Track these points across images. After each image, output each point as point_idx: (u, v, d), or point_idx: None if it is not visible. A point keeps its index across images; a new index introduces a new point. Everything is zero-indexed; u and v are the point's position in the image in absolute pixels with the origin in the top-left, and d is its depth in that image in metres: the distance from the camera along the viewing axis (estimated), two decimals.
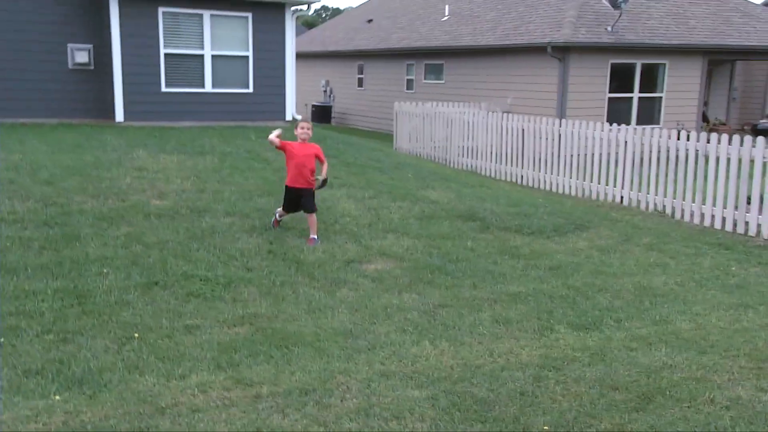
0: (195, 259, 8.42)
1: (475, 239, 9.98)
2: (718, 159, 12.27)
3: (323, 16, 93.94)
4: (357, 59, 33.70)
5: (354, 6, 46.12)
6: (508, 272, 8.70)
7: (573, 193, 15.00)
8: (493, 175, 17.37)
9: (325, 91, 36.35)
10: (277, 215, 9.90)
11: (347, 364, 6.20)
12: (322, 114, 34.72)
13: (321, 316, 7.23)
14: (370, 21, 36.16)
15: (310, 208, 9.58)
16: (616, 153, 14.29)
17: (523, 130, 16.48)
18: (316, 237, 9.57)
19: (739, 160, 11.88)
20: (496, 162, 17.29)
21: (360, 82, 33.76)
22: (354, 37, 34.84)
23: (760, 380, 6.18)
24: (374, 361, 6.30)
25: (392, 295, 7.84)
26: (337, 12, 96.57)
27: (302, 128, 9.67)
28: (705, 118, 26.15)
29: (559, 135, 15.70)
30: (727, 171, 12.09)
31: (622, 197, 13.86)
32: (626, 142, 14.06)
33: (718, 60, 26.13)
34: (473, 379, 6.00)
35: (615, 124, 14.73)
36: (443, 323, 7.22)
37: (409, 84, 29.84)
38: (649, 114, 23.43)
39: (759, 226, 11.65)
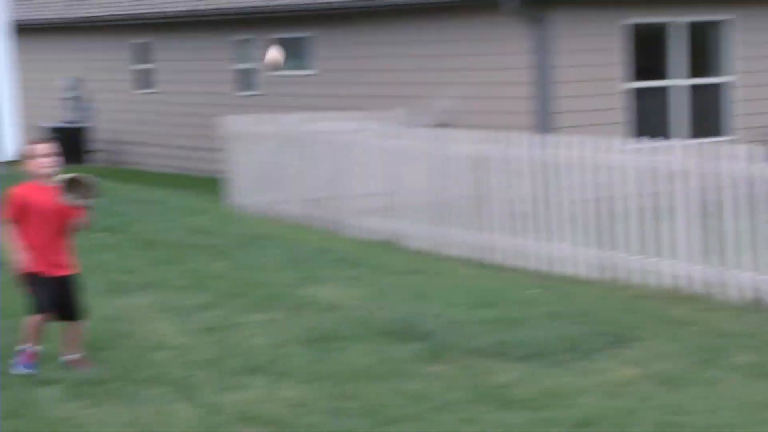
0: None
1: (422, 376, 6.71)
2: None
3: None
4: (136, 33, 21.18)
5: None
6: None
7: (588, 272, 10.02)
8: (431, 248, 11.50)
9: (72, 99, 22.94)
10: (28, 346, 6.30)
11: None
12: (69, 145, 20.21)
13: None
14: None
15: (84, 310, 6.57)
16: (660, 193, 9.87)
17: (481, 159, 10.87)
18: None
19: None
20: (433, 223, 11.62)
21: (147, 80, 21.17)
22: None
23: None
24: None
25: None
26: None
27: (43, 155, 6.44)
28: None
29: (549, 165, 10.39)
30: None
31: (684, 277, 9.71)
32: (684, 172, 9.64)
33: None
34: None
35: (652, 140, 10.25)
36: None
37: (249, 79, 18.97)
38: (706, 117, 16.25)
39: None
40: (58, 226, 6.22)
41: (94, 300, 7.46)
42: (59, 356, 6.30)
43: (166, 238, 10.17)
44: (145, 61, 21.30)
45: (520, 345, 7.11)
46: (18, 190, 6.21)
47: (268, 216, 13.62)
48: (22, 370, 5.93)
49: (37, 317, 6.14)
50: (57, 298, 6.23)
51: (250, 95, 18.94)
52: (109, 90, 22.26)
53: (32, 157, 6.34)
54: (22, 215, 6.12)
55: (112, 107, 22.30)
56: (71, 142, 21.52)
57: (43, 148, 6.41)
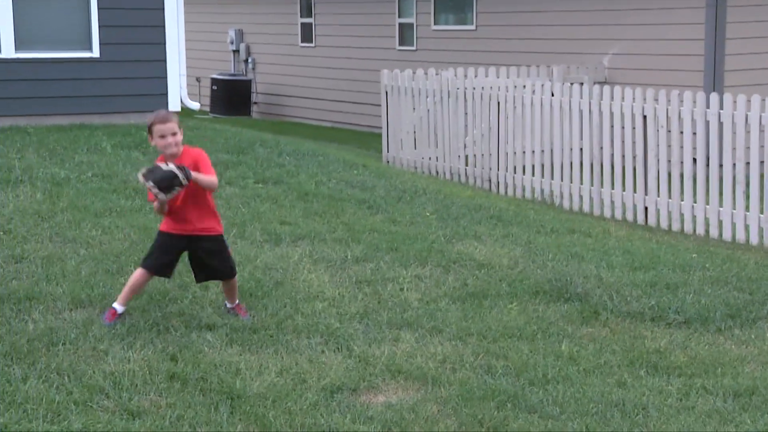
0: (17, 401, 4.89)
1: (574, 338, 6.29)
2: None
3: None
4: None
5: None
6: (653, 405, 5.33)
7: (757, 239, 9.46)
8: (587, 207, 11.06)
9: (235, 52, 23.07)
10: (117, 305, 5.97)
11: None
12: (231, 97, 21.62)
13: None
14: None
15: (229, 271, 6.17)
16: None
17: (645, 117, 10.32)
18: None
19: None
20: (591, 183, 11.07)
21: (306, 34, 21.24)
22: None
23: None
24: None
25: None
26: None
27: (164, 136, 5.89)
28: None
29: (719, 123, 9.77)
30: None
31: None
32: None
33: None
34: None
35: None
36: None
37: (406, 34, 18.92)
38: None
39: None
40: (186, 195, 5.89)
41: (251, 249, 7.35)
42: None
43: (322, 191, 9.78)
44: (308, 15, 21.10)
45: (677, 310, 6.66)
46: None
47: (422, 171, 13.29)
48: (104, 322, 5.82)
49: (138, 270, 5.94)
50: (174, 258, 5.97)
51: (410, 50, 18.69)
52: (272, 43, 22.25)
53: (152, 134, 5.90)
54: None
55: (274, 60, 22.27)
56: (235, 94, 21.76)
57: (162, 128, 5.84)
